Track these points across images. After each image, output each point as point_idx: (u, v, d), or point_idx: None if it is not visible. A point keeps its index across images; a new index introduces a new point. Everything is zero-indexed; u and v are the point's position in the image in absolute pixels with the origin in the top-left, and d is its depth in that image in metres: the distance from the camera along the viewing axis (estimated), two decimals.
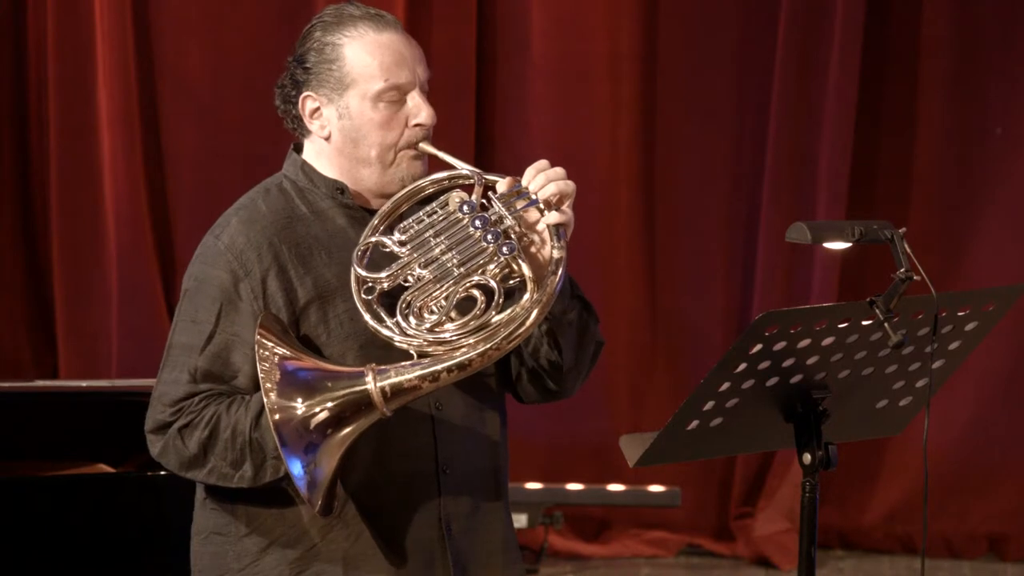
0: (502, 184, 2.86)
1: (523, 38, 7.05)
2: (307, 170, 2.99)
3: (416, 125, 2.97)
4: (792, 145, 7.01)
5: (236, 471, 2.83)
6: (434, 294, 2.81)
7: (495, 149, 7.09)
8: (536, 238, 2.85)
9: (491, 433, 2.99)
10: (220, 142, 6.93)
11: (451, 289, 2.80)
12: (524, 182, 2.85)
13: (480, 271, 2.80)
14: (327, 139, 2.97)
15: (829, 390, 2.81)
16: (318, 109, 2.96)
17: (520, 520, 6.67)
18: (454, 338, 2.76)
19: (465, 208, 2.83)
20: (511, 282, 2.81)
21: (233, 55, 6.88)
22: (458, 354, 2.74)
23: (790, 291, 7.00)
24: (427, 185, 2.92)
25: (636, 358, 7.11)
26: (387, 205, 2.89)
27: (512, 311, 2.76)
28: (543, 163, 2.87)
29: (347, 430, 2.77)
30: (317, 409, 2.75)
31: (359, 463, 2.87)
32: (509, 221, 2.82)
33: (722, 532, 7.13)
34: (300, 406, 2.74)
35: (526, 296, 2.78)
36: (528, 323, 2.75)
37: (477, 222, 2.81)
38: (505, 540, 3.02)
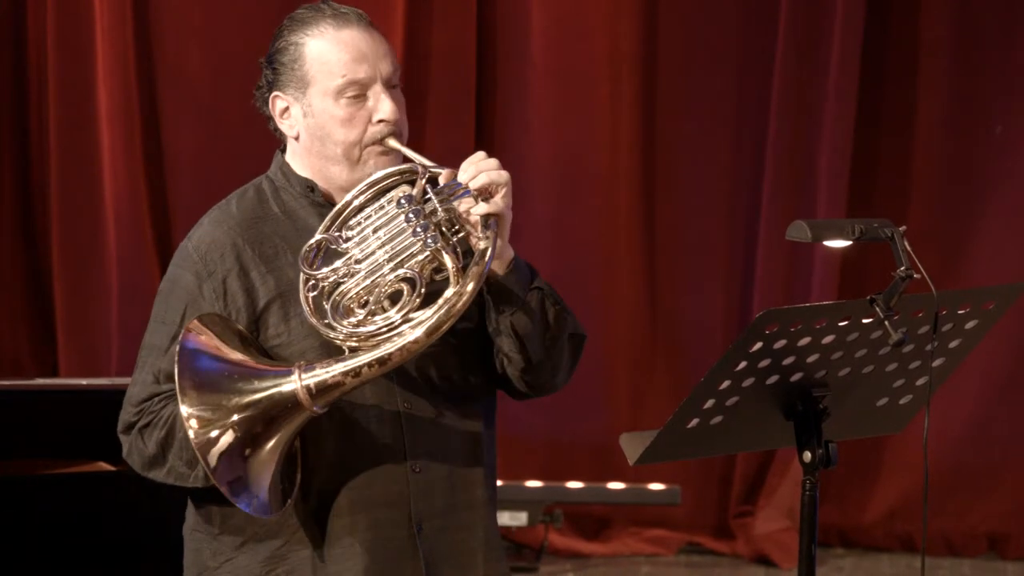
0: (442, 177, 2.86)
1: (523, 38, 7.05)
2: (285, 170, 3.01)
3: (380, 121, 2.94)
4: (792, 145, 7.02)
5: (191, 471, 2.85)
6: (367, 289, 2.81)
7: (495, 149, 7.09)
8: (473, 230, 2.84)
9: (469, 431, 2.98)
10: (220, 141, 6.94)
11: (381, 283, 2.80)
12: (459, 174, 2.85)
13: (409, 264, 2.80)
14: (297, 138, 2.99)
15: (829, 388, 2.81)
16: (287, 109, 2.98)
17: (520, 518, 6.67)
18: (378, 332, 2.77)
19: (403, 202, 2.83)
20: (440, 276, 2.81)
21: (233, 54, 6.88)
22: (379, 349, 2.75)
23: (790, 290, 7.00)
24: (366, 187, 2.90)
25: (636, 357, 7.12)
26: (338, 205, 2.90)
27: (435, 304, 2.76)
28: (478, 155, 2.86)
29: (277, 435, 2.79)
30: (237, 418, 2.76)
31: (326, 462, 2.90)
32: (441, 214, 2.81)
33: (722, 530, 7.13)
34: (222, 418, 2.76)
35: (449, 289, 2.77)
36: (441, 316, 2.74)
37: (411, 215, 2.81)
38: (486, 538, 3.01)
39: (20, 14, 7.03)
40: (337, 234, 2.86)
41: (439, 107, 6.99)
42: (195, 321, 2.83)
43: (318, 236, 2.87)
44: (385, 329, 2.77)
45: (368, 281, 2.81)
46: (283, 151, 3.04)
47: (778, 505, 7.00)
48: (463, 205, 2.82)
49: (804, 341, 2.71)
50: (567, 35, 7.06)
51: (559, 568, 6.91)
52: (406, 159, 2.93)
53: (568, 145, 7.09)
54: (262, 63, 3.01)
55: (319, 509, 2.91)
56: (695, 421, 2.77)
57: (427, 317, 2.74)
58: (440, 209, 2.81)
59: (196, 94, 7.00)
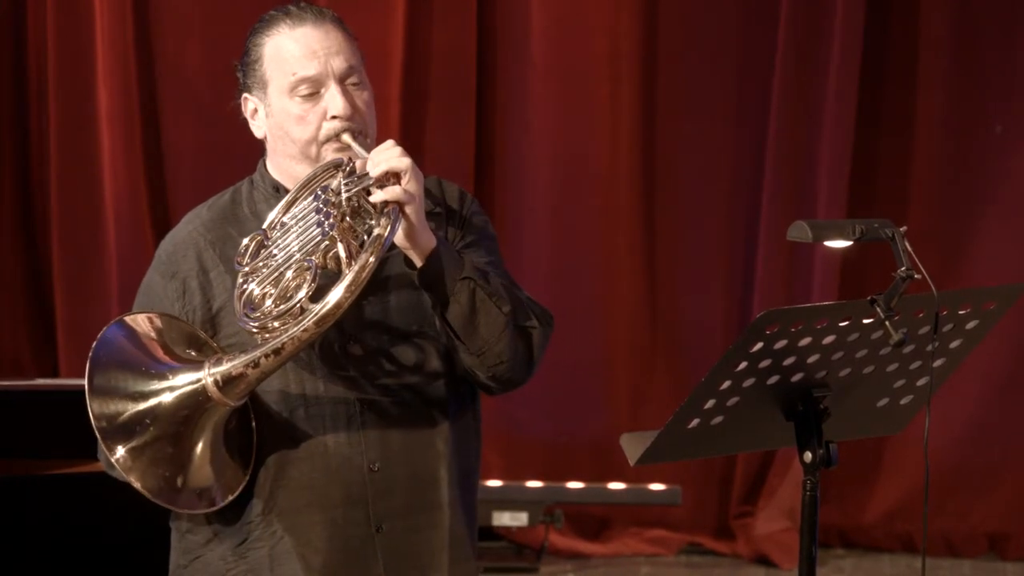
0: (357, 167, 2.87)
1: (523, 38, 7.05)
2: (262, 171, 3.06)
3: (333, 117, 2.94)
4: (792, 145, 7.01)
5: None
6: (276, 281, 2.83)
7: (495, 150, 7.09)
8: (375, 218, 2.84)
9: (433, 430, 2.98)
10: (220, 141, 6.93)
11: (287, 275, 2.82)
12: (367, 164, 2.86)
13: (315, 254, 2.81)
14: (265, 139, 3.03)
15: (830, 389, 2.81)
16: (255, 110, 3.04)
17: (520, 518, 6.67)
18: (278, 323, 2.78)
19: (319, 193, 2.85)
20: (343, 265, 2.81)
21: (233, 52, 6.81)
22: (274, 339, 2.76)
23: (790, 290, 7.00)
24: (300, 185, 2.91)
25: (636, 358, 7.11)
26: (279, 204, 2.91)
27: (328, 292, 2.76)
28: (385, 144, 2.87)
29: (200, 430, 2.80)
30: (151, 417, 2.78)
31: (284, 459, 2.91)
32: (344, 204, 2.82)
33: (723, 531, 7.13)
34: (137, 416, 2.78)
35: (340, 277, 2.77)
36: (331, 304, 2.74)
37: (320, 206, 2.83)
38: (452, 540, 2.99)
39: (20, 14, 7.02)
40: (272, 231, 2.89)
41: (439, 107, 6.99)
42: (131, 316, 2.87)
43: (252, 234, 2.90)
44: (286, 319, 2.78)
45: (277, 273, 2.84)
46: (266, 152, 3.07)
47: (779, 505, 7.00)
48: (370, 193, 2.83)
49: (805, 341, 2.71)
50: (567, 35, 7.06)
51: (559, 568, 6.91)
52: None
53: (568, 145, 7.08)
54: (235, 65, 3.05)
55: (278, 507, 2.92)
56: (696, 421, 2.77)
57: (319, 306, 2.75)
58: (343, 199, 2.81)
59: (196, 94, 7.00)
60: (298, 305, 2.77)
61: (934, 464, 6.74)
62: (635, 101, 7.07)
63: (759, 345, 2.68)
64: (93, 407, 2.76)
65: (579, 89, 7.07)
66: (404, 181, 2.82)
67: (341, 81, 2.95)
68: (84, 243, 7.04)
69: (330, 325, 2.75)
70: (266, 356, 2.76)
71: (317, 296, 2.76)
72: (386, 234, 2.77)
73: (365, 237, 2.80)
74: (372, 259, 2.75)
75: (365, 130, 2.96)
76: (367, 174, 2.83)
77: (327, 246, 2.80)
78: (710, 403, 2.75)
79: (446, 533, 2.99)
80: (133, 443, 2.78)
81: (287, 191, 2.97)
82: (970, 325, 2.86)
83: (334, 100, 2.93)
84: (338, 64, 2.95)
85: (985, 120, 7.00)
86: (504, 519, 6.66)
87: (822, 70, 6.95)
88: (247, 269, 2.87)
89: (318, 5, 3.11)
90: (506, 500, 6.66)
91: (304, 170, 2.95)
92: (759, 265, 7.03)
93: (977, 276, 6.84)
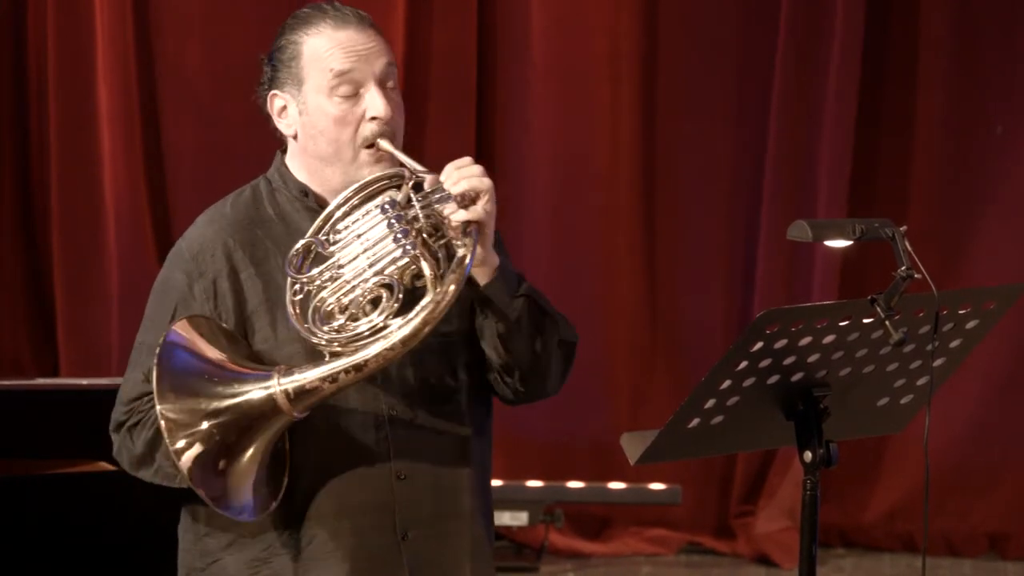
0: (427, 183, 2.84)
1: (523, 38, 7.06)
2: (283, 172, 3.01)
3: (372, 119, 2.92)
4: (792, 145, 7.02)
5: (178, 471, 2.82)
6: (347, 294, 2.81)
7: (496, 150, 7.09)
8: (454, 237, 2.81)
9: (457, 438, 2.97)
10: (220, 140, 6.93)
11: (361, 288, 2.79)
12: (443, 179, 2.83)
13: (389, 271, 2.79)
14: (294, 137, 2.98)
15: (830, 388, 2.81)
16: (285, 107, 2.98)
17: (521, 518, 6.68)
18: (356, 339, 2.76)
19: (387, 207, 2.82)
20: (420, 282, 2.79)
21: (233, 52, 6.87)
22: (356, 355, 2.74)
23: (791, 290, 7.00)
24: (354, 191, 2.88)
25: (636, 358, 7.12)
26: (327, 209, 2.88)
27: (412, 312, 2.74)
28: (463, 160, 2.84)
29: (256, 440, 2.78)
30: (215, 421, 2.76)
31: (311, 466, 2.89)
32: (422, 220, 2.80)
33: (723, 530, 7.13)
34: (199, 420, 2.76)
35: (426, 296, 2.75)
36: (417, 323, 2.72)
37: (392, 221, 2.80)
38: (474, 545, 3.00)
39: (20, 14, 7.02)
40: (324, 238, 2.86)
41: (439, 107, 6.99)
42: (183, 321, 2.85)
43: (304, 240, 2.86)
44: (363, 335, 2.76)
45: (349, 286, 2.80)
46: (284, 152, 3.03)
47: (779, 505, 7.01)
48: (446, 211, 2.80)
49: (805, 341, 2.71)
50: (567, 35, 7.07)
51: (560, 568, 6.91)
52: (401, 163, 2.92)
53: (568, 145, 7.09)
54: (263, 60, 3.02)
55: (303, 514, 2.91)
56: (696, 421, 2.77)
57: (403, 325, 2.73)
58: (421, 215, 2.80)
59: (196, 94, 7.00)
60: (379, 323, 2.75)
61: (934, 464, 6.74)
62: (635, 101, 7.07)
63: (759, 345, 2.68)
64: (160, 406, 2.74)
65: (579, 89, 7.08)
66: (483, 201, 2.80)
67: (381, 83, 2.94)
68: (84, 243, 7.04)
69: (414, 345, 2.73)
70: (346, 371, 2.73)
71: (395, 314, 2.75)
72: (471, 254, 2.77)
73: (440, 254, 2.79)
74: (456, 284, 2.74)
75: (398, 134, 2.95)
76: (440, 189, 2.81)
77: (406, 263, 2.78)
78: (710, 403, 2.75)
79: (469, 540, 2.99)
80: (195, 441, 2.74)
81: (315, 194, 2.95)
82: (970, 325, 2.86)
83: (375, 101, 2.91)
84: (379, 67, 2.94)
85: (985, 120, 7.01)
86: (504, 519, 6.66)
87: (822, 70, 6.96)
88: (304, 279, 2.83)
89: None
90: (506, 499, 6.66)
91: (334, 173, 2.93)
92: (759, 264, 7.04)
93: (977, 276, 6.85)
